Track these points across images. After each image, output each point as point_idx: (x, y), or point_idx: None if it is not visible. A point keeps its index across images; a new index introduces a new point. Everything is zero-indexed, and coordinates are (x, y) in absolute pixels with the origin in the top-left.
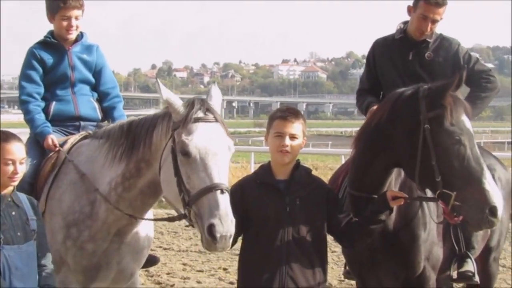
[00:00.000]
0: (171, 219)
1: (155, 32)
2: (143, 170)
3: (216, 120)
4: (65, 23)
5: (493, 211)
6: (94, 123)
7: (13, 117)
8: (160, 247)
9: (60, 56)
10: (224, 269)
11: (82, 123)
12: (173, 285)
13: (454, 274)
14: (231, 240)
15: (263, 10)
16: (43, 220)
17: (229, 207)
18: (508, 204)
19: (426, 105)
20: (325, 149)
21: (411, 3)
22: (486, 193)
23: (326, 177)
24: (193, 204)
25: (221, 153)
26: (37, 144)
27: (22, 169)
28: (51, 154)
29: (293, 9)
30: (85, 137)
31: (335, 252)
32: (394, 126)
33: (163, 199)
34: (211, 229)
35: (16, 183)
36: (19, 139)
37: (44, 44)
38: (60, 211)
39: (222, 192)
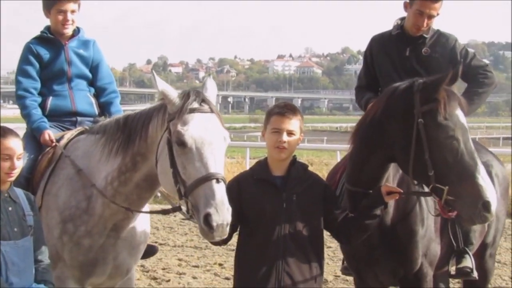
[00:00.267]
0: (165, 212)
1: (151, 27)
2: (139, 164)
3: (212, 111)
4: (60, 17)
5: (486, 206)
6: (91, 119)
7: (8, 112)
8: (156, 242)
9: (56, 51)
10: (220, 264)
11: (79, 118)
12: (169, 280)
13: (452, 270)
14: (228, 229)
15: (258, 5)
16: (39, 215)
17: (225, 196)
18: (505, 201)
19: (420, 99)
20: (320, 144)
21: None
22: (479, 187)
23: (321, 173)
24: (189, 194)
25: (217, 142)
26: (33, 139)
27: (20, 165)
28: (47, 149)
29: (288, 4)
30: (81, 133)
31: (330, 247)
32: (388, 120)
33: (159, 194)
34: (207, 218)
35: (13, 179)
36: (16, 135)
37: (40, 39)
38: (57, 206)
39: (217, 181)
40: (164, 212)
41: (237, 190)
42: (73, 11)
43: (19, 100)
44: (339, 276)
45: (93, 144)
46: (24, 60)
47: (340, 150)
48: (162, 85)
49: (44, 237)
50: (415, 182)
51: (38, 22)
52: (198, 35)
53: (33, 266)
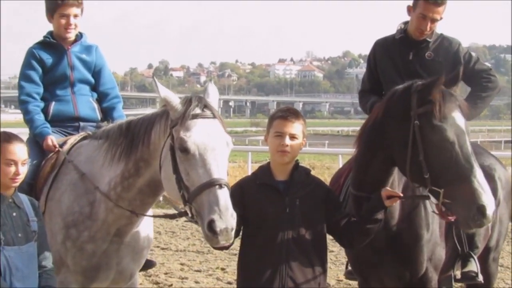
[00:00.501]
0: (171, 216)
1: (151, 28)
2: (142, 170)
3: (214, 116)
4: (63, 21)
5: (481, 210)
6: (94, 124)
7: (10, 117)
8: (158, 247)
9: (59, 56)
10: (222, 269)
11: (82, 123)
12: (171, 285)
13: (458, 274)
14: (233, 233)
15: (258, 5)
16: (43, 221)
17: (229, 201)
18: (508, 204)
19: (417, 101)
20: (322, 148)
21: (410, 2)
22: (474, 191)
23: (323, 177)
24: (193, 200)
25: (220, 148)
26: (36, 145)
27: (24, 171)
28: (50, 154)
29: (289, 8)
30: (84, 138)
31: (332, 252)
32: (388, 122)
33: (161, 199)
34: (211, 225)
35: (17, 185)
36: (21, 140)
37: (43, 44)
38: (60, 212)
39: (221, 187)
40: (170, 216)
41: (240, 195)
42: (76, 16)
43: (22, 105)
44: (341, 281)
45: (96, 149)
46: (27, 65)
47: (342, 154)
48: (164, 91)
49: (48, 242)
50: (416, 185)
51: (38, 22)
52: (198, 35)
53: (37, 272)
